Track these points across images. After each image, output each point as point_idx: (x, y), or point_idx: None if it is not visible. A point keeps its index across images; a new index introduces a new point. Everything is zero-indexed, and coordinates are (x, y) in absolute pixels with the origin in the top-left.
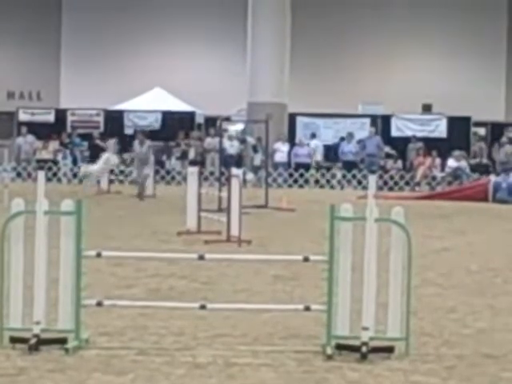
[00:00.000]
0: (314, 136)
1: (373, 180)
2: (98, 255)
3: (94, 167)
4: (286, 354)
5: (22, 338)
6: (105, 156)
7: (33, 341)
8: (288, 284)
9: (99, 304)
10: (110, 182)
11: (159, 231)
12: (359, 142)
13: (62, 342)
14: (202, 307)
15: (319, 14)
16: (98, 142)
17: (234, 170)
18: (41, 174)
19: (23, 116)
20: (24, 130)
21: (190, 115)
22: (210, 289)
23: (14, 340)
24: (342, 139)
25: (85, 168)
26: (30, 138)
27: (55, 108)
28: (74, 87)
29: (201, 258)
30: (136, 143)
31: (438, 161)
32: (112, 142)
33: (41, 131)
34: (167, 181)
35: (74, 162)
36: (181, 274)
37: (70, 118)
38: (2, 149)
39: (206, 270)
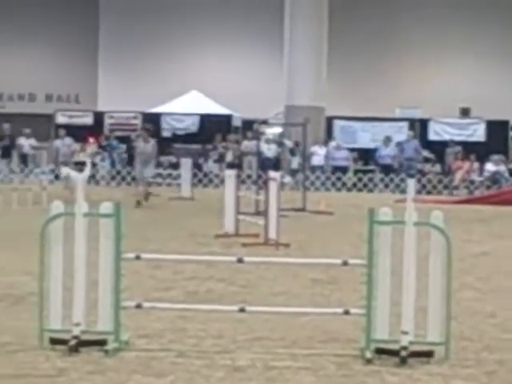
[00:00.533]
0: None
1: (411, 184)
2: (138, 257)
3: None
4: (325, 358)
5: (62, 339)
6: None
7: (73, 342)
8: (326, 287)
9: (138, 306)
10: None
11: (197, 234)
12: (397, 145)
13: (102, 343)
14: (241, 310)
15: (356, 18)
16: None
17: (272, 173)
18: (79, 177)
19: (61, 118)
20: (62, 132)
21: (227, 118)
22: (249, 292)
23: (54, 341)
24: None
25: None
26: (68, 140)
27: (93, 110)
28: (112, 90)
29: (239, 260)
30: (140, 141)
31: (476, 165)
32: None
33: (79, 133)
34: (204, 183)
35: (112, 164)
36: (219, 277)
37: (107, 121)
38: (41, 151)
39: (244, 273)
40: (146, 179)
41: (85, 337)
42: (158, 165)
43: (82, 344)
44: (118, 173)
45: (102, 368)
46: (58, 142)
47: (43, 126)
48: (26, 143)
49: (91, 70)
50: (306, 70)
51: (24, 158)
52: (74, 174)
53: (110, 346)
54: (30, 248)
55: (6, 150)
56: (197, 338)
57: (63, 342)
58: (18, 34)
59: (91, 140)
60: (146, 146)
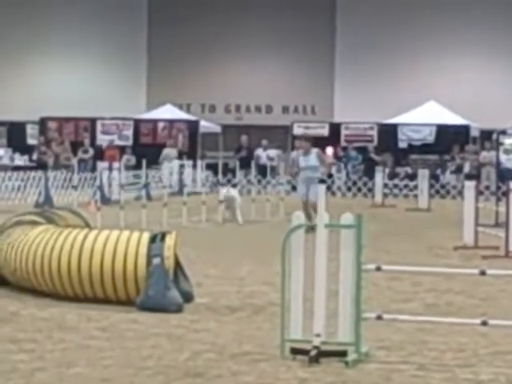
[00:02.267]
0: None
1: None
2: (378, 269)
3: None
4: None
5: (303, 349)
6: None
7: (313, 352)
8: None
9: (379, 317)
10: (384, 195)
11: (435, 245)
12: None
13: (342, 354)
14: (484, 323)
15: None
16: (372, 155)
17: None
18: (321, 188)
19: (298, 130)
20: (298, 143)
21: (465, 128)
22: (489, 305)
23: (295, 351)
24: None
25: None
26: None
27: (329, 122)
28: (348, 101)
29: (482, 273)
30: (299, 153)
31: None
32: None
33: (315, 145)
34: (442, 195)
35: (347, 175)
36: (458, 290)
37: (343, 132)
38: (279, 161)
39: (484, 286)
40: (311, 202)
41: (325, 347)
42: (394, 175)
43: (322, 354)
44: (354, 183)
45: (342, 379)
46: (294, 153)
47: (280, 137)
48: (263, 154)
49: (327, 82)
50: None
51: (262, 169)
52: (234, 192)
53: (351, 357)
54: (269, 258)
55: (244, 161)
56: (437, 350)
57: (304, 352)
58: (253, 49)
59: (328, 151)
60: (307, 159)
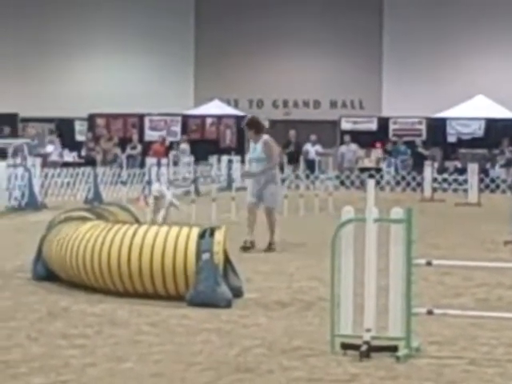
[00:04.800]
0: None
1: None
2: (428, 264)
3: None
4: None
5: (353, 344)
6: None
7: (364, 348)
8: None
9: (430, 312)
10: (434, 190)
11: (485, 240)
12: None
13: (393, 349)
14: None
15: None
16: (420, 149)
17: None
18: (370, 183)
19: (346, 124)
20: (347, 138)
21: None
22: None
23: (345, 346)
24: None
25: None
26: (353, 146)
27: (377, 116)
28: (396, 95)
29: None
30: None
31: None
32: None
33: (363, 139)
34: (491, 189)
35: (396, 169)
36: (509, 284)
37: (391, 126)
38: (326, 157)
39: None
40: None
41: (375, 342)
42: (444, 170)
43: (373, 349)
44: (403, 178)
45: (393, 374)
46: (343, 148)
47: (328, 132)
48: (311, 149)
49: (375, 76)
50: None
51: (310, 164)
52: (166, 191)
53: (401, 352)
54: (318, 254)
55: (292, 157)
56: (489, 345)
57: (354, 347)
58: (301, 44)
59: (377, 145)
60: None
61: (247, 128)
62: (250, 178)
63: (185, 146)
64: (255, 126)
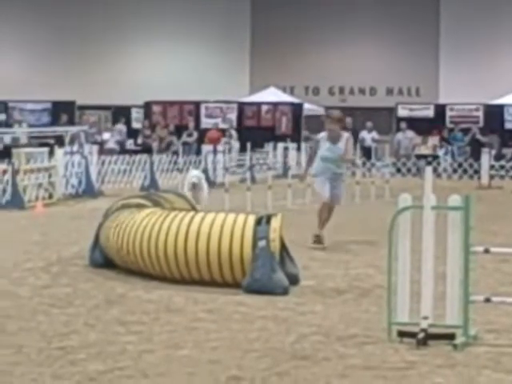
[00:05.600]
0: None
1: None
2: (486, 251)
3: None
4: None
5: (410, 332)
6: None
7: (421, 335)
8: None
9: (487, 300)
10: (491, 177)
11: None
12: None
13: (450, 337)
14: None
15: None
16: (478, 136)
17: None
18: (428, 170)
19: (402, 111)
20: (403, 125)
21: None
22: None
23: (402, 334)
24: None
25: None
26: (410, 133)
27: (434, 103)
28: (453, 82)
29: None
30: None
31: None
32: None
33: (420, 126)
34: None
35: (452, 156)
36: None
37: (448, 113)
38: (383, 144)
39: None
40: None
41: (432, 330)
42: (501, 157)
43: (430, 337)
44: (460, 165)
45: (451, 362)
46: (399, 135)
47: (384, 119)
48: (368, 136)
49: (432, 63)
50: None
51: (366, 152)
52: (203, 181)
53: (459, 340)
54: (375, 241)
55: None
56: None
57: (411, 334)
58: (356, 30)
59: (434, 132)
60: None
61: (335, 122)
62: (339, 180)
63: (233, 132)
64: (344, 121)
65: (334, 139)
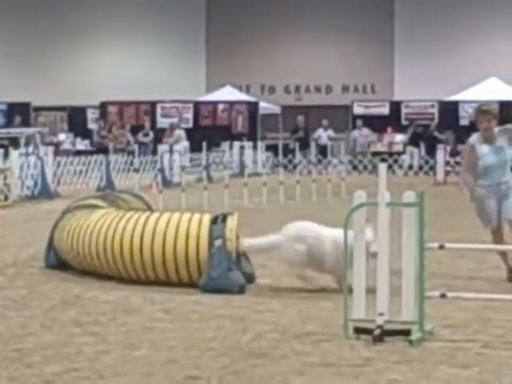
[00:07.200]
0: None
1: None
2: (441, 247)
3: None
4: None
5: (366, 328)
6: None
7: (377, 332)
8: None
9: (443, 296)
10: (447, 173)
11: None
12: None
13: (406, 333)
14: None
15: None
16: (435, 133)
17: None
18: (382, 167)
19: (358, 109)
20: (359, 122)
21: None
22: None
23: (358, 331)
24: None
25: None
26: (366, 130)
27: (389, 100)
28: (408, 79)
29: None
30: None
31: None
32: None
33: (376, 124)
34: None
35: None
36: None
37: (404, 110)
38: (339, 142)
39: None
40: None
41: (388, 326)
42: (456, 153)
43: (386, 333)
44: (427, 162)
45: (407, 358)
46: (355, 133)
47: (340, 117)
48: (323, 134)
49: (387, 61)
50: None
51: (322, 149)
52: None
53: (415, 335)
54: None
55: (302, 142)
56: (503, 328)
57: (368, 331)
58: (312, 29)
59: (389, 130)
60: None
61: (490, 119)
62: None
63: (179, 132)
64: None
65: (491, 139)
